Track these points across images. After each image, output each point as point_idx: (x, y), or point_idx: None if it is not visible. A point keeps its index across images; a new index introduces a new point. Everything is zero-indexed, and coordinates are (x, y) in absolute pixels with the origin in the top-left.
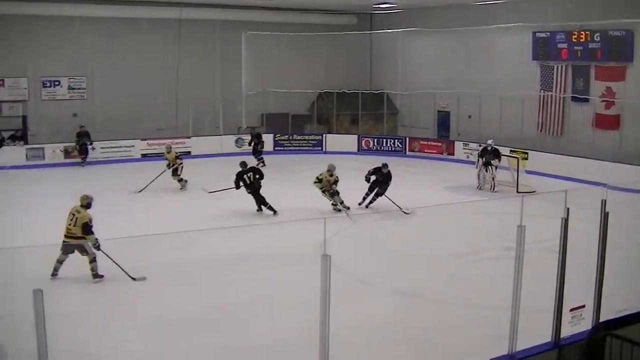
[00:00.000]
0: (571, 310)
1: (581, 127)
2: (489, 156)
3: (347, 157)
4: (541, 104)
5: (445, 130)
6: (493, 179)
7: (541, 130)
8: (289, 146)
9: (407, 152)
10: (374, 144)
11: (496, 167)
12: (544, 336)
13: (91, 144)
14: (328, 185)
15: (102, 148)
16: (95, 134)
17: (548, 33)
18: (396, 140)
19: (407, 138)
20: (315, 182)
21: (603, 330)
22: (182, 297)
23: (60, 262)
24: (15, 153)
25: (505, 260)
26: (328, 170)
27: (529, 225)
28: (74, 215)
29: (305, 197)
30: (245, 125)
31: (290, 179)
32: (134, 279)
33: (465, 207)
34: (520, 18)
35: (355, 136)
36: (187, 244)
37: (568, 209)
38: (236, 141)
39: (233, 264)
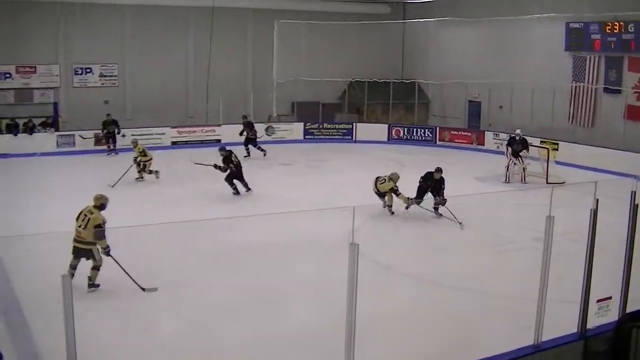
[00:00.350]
0: (598, 301)
1: (612, 118)
2: (517, 146)
3: (377, 146)
4: (573, 94)
5: (476, 121)
6: (524, 169)
7: (572, 121)
8: (319, 135)
9: (438, 142)
10: (404, 133)
11: (525, 158)
12: (570, 327)
13: (119, 132)
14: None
15: (132, 136)
16: (126, 121)
17: (581, 24)
18: (426, 130)
19: (438, 128)
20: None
21: (630, 321)
22: (213, 284)
23: (73, 267)
24: (46, 140)
25: (533, 250)
26: (390, 179)
27: (558, 216)
28: (85, 216)
29: (334, 185)
30: (275, 114)
31: (319, 168)
32: (143, 289)
33: (494, 197)
34: (553, 8)
35: (386, 125)
36: (212, 231)
37: (597, 200)
38: (266, 129)
39: (260, 252)
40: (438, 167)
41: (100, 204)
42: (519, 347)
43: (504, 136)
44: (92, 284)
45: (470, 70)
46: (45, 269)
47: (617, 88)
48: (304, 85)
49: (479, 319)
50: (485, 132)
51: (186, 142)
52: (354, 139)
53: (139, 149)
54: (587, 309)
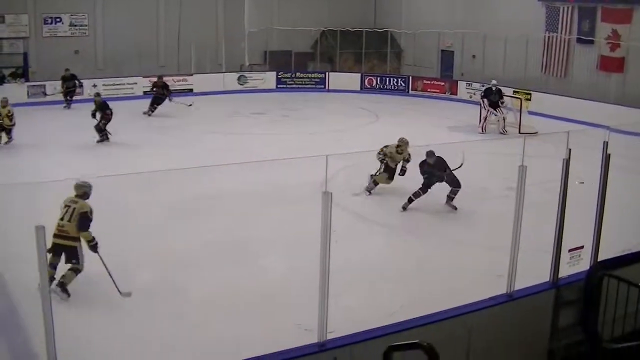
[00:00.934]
0: (570, 250)
1: (585, 69)
2: (494, 96)
3: (350, 95)
4: (546, 45)
5: (448, 70)
6: (503, 119)
7: (545, 72)
8: (292, 84)
9: (410, 91)
10: (377, 83)
11: (503, 108)
12: (543, 276)
13: (79, 86)
14: (392, 164)
15: (104, 85)
16: (97, 71)
17: None
18: (399, 79)
19: (411, 77)
20: (378, 155)
21: (601, 270)
22: (186, 233)
23: (53, 266)
24: (16, 90)
25: (506, 200)
26: (398, 146)
27: (531, 166)
28: (68, 207)
29: (309, 134)
30: (248, 63)
31: (292, 117)
32: (120, 293)
33: (467, 146)
34: None
35: (359, 75)
36: (185, 182)
37: (570, 150)
38: (239, 79)
39: (231, 201)
40: (429, 151)
41: (83, 192)
42: (491, 296)
43: (477, 86)
44: (65, 289)
45: (443, 19)
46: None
47: (590, 39)
48: (276, 34)
49: (453, 267)
50: (458, 81)
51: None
52: (326, 88)
53: (6, 110)
54: (559, 258)
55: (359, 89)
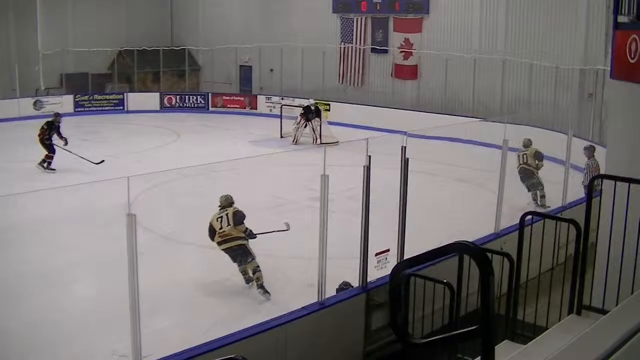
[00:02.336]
0: (376, 254)
1: (381, 77)
2: (312, 115)
3: (150, 115)
4: (342, 55)
5: (247, 85)
6: (314, 130)
7: (342, 82)
8: (90, 106)
9: (211, 108)
10: (176, 101)
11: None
12: (353, 282)
13: None
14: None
15: None
16: None
17: None
18: (199, 97)
19: (210, 94)
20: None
21: (404, 269)
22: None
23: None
24: None
25: (312, 210)
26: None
27: (333, 175)
28: (221, 217)
29: (107, 157)
30: (43, 87)
31: (92, 141)
32: None
33: (270, 159)
34: None
35: (158, 94)
36: None
37: (370, 156)
38: (34, 103)
39: (36, 230)
40: None
41: (229, 203)
42: (304, 306)
43: (277, 99)
44: (263, 286)
45: (240, 34)
46: None
47: (384, 48)
48: (72, 56)
49: (266, 280)
50: (258, 95)
51: None
52: (125, 109)
53: None
54: (367, 262)
55: (158, 108)
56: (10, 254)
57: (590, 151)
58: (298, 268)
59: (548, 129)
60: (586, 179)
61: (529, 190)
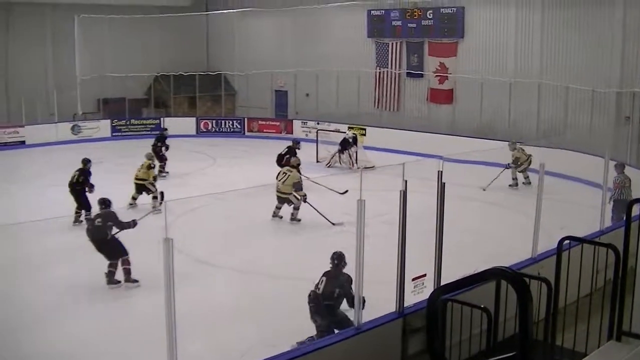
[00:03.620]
0: (413, 279)
1: (416, 101)
2: (349, 146)
3: (186, 140)
4: (377, 80)
5: (283, 110)
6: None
7: (378, 106)
8: (127, 131)
9: (246, 133)
10: (212, 126)
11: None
12: (389, 307)
13: None
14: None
15: None
16: None
17: (382, 11)
18: (235, 121)
19: (246, 118)
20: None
21: (441, 295)
22: (27, 290)
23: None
24: None
25: (348, 234)
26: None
27: (370, 200)
28: (285, 174)
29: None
30: (81, 112)
31: (129, 165)
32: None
33: (306, 184)
34: None
35: (194, 118)
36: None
37: (406, 181)
38: (72, 128)
39: (76, 253)
40: None
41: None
42: (340, 331)
43: (312, 124)
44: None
45: (275, 59)
46: None
47: (419, 72)
48: (109, 81)
49: (299, 304)
50: (293, 120)
51: None
52: None
53: None
54: (403, 287)
55: (194, 133)
56: (51, 276)
57: (619, 168)
58: None
59: (584, 152)
60: (614, 195)
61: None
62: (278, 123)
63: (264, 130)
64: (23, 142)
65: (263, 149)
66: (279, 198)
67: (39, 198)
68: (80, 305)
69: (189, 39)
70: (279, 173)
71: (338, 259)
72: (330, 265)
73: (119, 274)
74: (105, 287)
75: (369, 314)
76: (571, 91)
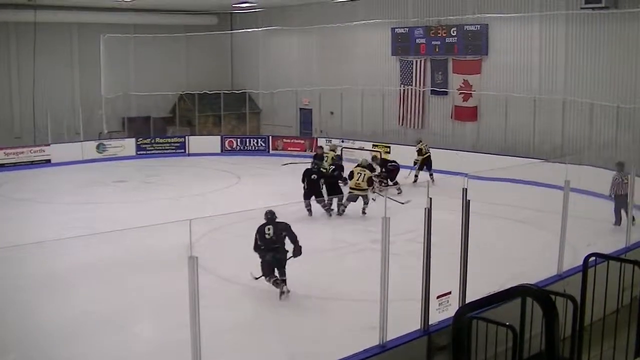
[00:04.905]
0: (438, 297)
1: (441, 119)
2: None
3: (211, 158)
4: (401, 98)
5: (307, 128)
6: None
7: (402, 124)
8: (152, 150)
9: (271, 151)
10: (237, 144)
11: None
12: (414, 324)
13: None
14: None
15: None
16: None
17: (406, 29)
18: (259, 140)
19: (270, 137)
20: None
21: (467, 313)
22: (50, 309)
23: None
24: None
25: (372, 252)
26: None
27: (395, 217)
28: (359, 174)
29: (170, 199)
30: (106, 130)
31: (155, 183)
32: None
33: (333, 201)
34: (379, 14)
35: (219, 137)
36: (50, 254)
37: (431, 198)
38: (97, 147)
39: (99, 272)
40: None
41: (368, 164)
42: (365, 348)
43: (337, 141)
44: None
45: (300, 78)
46: None
47: (444, 90)
48: (134, 100)
49: (325, 323)
50: (318, 138)
51: (14, 164)
52: (187, 152)
53: None
54: (428, 305)
55: (219, 151)
56: (73, 296)
57: (620, 166)
58: (359, 310)
59: (610, 169)
60: (612, 192)
61: None
62: (302, 141)
63: (289, 149)
64: (49, 161)
65: (288, 167)
66: (353, 195)
67: (63, 216)
68: (106, 324)
69: (214, 58)
70: (352, 172)
71: (270, 213)
72: (265, 220)
73: None
74: (129, 306)
75: (393, 332)
76: (596, 107)
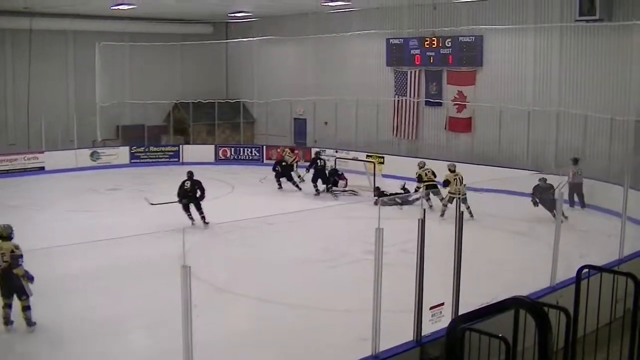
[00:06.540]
0: (431, 308)
1: (435, 130)
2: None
3: (205, 167)
4: (396, 108)
5: (302, 138)
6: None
7: (396, 135)
8: (146, 158)
9: (265, 161)
10: (231, 154)
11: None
12: (407, 335)
13: None
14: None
15: None
16: None
17: (401, 40)
18: (253, 149)
19: (264, 146)
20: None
21: (460, 324)
22: (49, 315)
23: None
24: None
25: (366, 263)
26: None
27: (388, 228)
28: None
29: (163, 208)
30: (100, 138)
31: (148, 192)
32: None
33: (323, 212)
34: (373, 25)
35: (213, 146)
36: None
37: (424, 209)
38: (91, 155)
39: (96, 279)
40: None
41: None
42: (358, 359)
43: (331, 152)
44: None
45: (294, 87)
46: None
47: (438, 101)
48: (129, 108)
49: (318, 333)
50: (312, 148)
51: (7, 171)
52: (180, 161)
53: None
54: (421, 316)
55: (213, 160)
56: (66, 303)
57: (575, 161)
58: (352, 321)
59: (604, 180)
60: (570, 181)
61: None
62: (297, 151)
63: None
64: (42, 168)
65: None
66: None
67: (57, 224)
68: (100, 331)
69: (209, 67)
70: (447, 180)
71: (190, 173)
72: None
73: None
74: (128, 311)
75: (386, 343)
76: (590, 119)
